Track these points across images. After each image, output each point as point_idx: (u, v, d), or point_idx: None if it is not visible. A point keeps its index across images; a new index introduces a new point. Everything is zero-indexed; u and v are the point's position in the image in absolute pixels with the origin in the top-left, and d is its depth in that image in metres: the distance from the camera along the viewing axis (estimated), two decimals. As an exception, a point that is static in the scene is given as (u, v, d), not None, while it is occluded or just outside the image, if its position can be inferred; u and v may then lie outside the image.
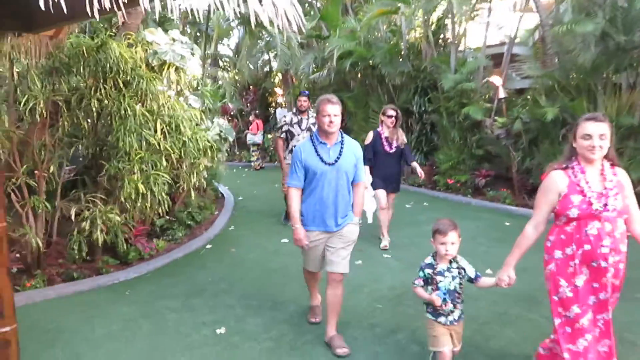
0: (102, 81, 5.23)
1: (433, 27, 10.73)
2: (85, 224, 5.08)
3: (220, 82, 16.40)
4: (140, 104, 5.39)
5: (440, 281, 2.91)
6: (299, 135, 6.58)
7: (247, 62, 15.98)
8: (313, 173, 3.53)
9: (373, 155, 5.94)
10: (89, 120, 5.52)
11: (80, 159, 6.10)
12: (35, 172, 5.23)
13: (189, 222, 7.02)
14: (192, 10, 3.08)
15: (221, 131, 7.71)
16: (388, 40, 11.28)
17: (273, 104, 17.41)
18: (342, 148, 3.58)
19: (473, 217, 7.75)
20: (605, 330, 2.73)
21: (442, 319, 2.94)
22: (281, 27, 2.65)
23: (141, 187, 5.22)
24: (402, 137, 6.07)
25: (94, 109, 5.19)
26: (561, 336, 2.72)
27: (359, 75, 12.51)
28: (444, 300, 2.90)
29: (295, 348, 3.71)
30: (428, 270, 2.95)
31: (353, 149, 3.66)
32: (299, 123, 6.68)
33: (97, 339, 3.93)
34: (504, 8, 11.30)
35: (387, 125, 5.95)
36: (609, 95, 7.57)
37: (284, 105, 16.23)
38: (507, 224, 7.30)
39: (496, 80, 8.96)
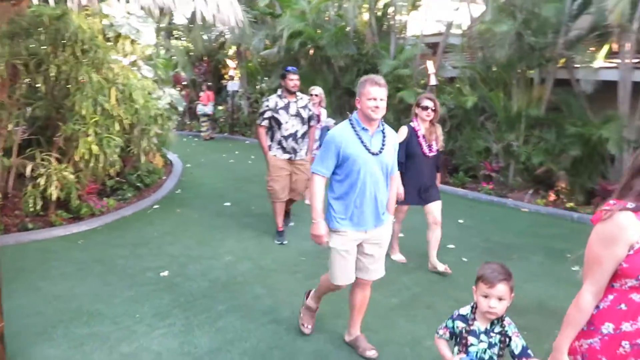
0: (60, 49, 5.66)
1: (378, 13, 11.47)
2: (41, 179, 5.57)
3: (172, 51, 16.58)
4: (96, 72, 5.86)
5: (472, 344, 2.20)
6: (286, 123, 5.44)
7: (201, 32, 16.22)
8: (354, 163, 3.05)
9: (406, 157, 4.68)
10: (46, 83, 5.95)
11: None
12: (-6, 129, 5.65)
13: (138, 184, 7.56)
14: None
15: (172, 100, 8.19)
16: (336, 23, 11.94)
17: (226, 76, 17.75)
18: (384, 137, 3.17)
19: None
20: None
21: None
22: (223, 24, 3.25)
23: (95, 148, 5.75)
24: (441, 138, 4.89)
25: (52, 74, 5.63)
26: None
27: (309, 54, 13.14)
28: None
29: (226, 288, 4.45)
30: (460, 324, 2.26)
31: (394, 139, 3.29)
32: (286, 108, 5.48)
33: (53, 277, 4.54)
34: None
35: (422, 118, 4.73)
36: (522, 88, 8.59)
37: (236, 78, 16.61)
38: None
39: (430, 66, 9.84)
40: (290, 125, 5.49)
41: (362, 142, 3.07)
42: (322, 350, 3.46)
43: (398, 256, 5.22)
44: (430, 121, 4.73)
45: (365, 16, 11.95)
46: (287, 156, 5.55)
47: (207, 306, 4.05)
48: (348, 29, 11.57)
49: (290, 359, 3.34)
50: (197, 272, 4.77)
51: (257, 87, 15.99)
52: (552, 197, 7.92)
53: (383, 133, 3.18)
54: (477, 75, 9.03)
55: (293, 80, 5.50)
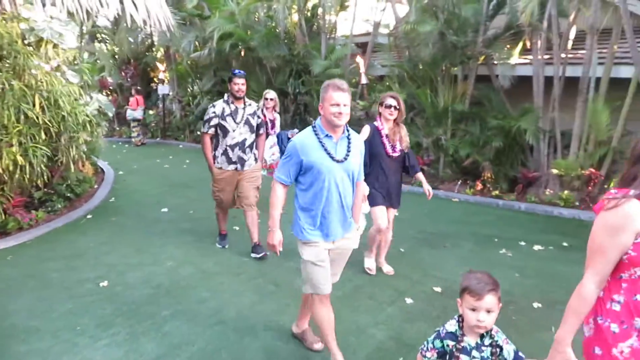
0: (-24, 55, 5.36)
1: (307, 14, 11.64)
2: (-39, 194, 5.26)
3: (97, 55, 15.94)
4: (17, 78, 5.59)
5: None
6: (234, 131, 5.06)
7: (127, 35, 15.70)
8: (318, 172, 2.94)
9: (369, 158, 4.48)
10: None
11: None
12: None
13: (69, 195, 7.26)
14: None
15: (100, 106, 7.93)
16: (266, 24, 11.98)
17: (155, 80, 17.29)
18: (349, 143, 3.04)
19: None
20: None
21: None
22: (152, 27, 3.25)
23: (19, 159, 5.49)
24: (406, 138, 4.64)
25: (-33, 83, 5.32)
26: None
27: (240, 56, 13.09)
28: None
29: (169, 293, 4.41)
30: (449, 343, 2.10)
31: (359, 145, 3.15)
32: (233, 114, 5.07)
33: (-18, 296, 4.30)
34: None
35: (385, 118, 4.54)
36: (447, 85, 9.05)
37: (166, 81, 16.23)
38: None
39: (360, 64, 10.12)
40: (237, 133, 5.09)
41: (325, 150, 2.95)
42: (270, 346, 3.54)
43: (386, 267, 5.02)
44: (394, 121, 4.54)
45: (295, 17, 12.08)
46: (233, 167, 5.20)
47: (151, 313, 4.01)
48: (278, 30, 11.65)
49: (239, 358, 3.39)
50: (138, 279, 4.68)
51: (189, 90, 15.70)
52: (479, 186, 8.42)
53: (348, 139, 3.04)
54: (404, 73, 9.40)
55: (237, 84, 5.04)
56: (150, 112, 15.94)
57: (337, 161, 2.96)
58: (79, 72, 7.59)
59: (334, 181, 2.97)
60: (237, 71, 5.15)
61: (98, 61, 15.80)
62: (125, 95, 15.85)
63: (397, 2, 10.85)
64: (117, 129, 15.98)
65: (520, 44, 9.00)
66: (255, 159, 5.39)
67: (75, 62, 8.09)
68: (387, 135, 4.53)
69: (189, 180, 9.22)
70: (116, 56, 16.43)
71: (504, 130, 8.21)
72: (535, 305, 4.27)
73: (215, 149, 5.22)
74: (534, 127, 7.95)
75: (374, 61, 10.85)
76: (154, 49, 16.40)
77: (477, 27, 8.38)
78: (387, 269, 4.98)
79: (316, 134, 2.99)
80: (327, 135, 2.98)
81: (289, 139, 6.40)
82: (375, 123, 4.62)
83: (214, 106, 5.13)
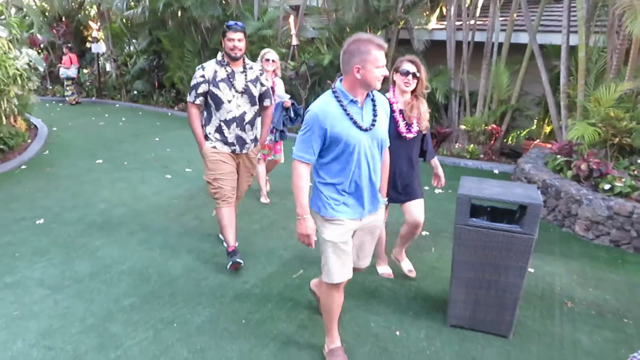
0: None
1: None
2: None
3: (25, 11, 15.41)
4: (-56, 30, 5.72)
5: None
6: (229, 102, 3.90)
7: (57, -9, 15.25)
8: (345, 144, 2.52)
9: None
10: None
11: None
12: None
13: (1, 147, 7.42)
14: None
15: (31, 61, 8.02)
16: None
17: (89, 38, 16.91)
18: (374, 106, 2.62)
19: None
20: None
21: None
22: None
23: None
24: (426, 116, 3.64)
25: None
26: None
27: (177, 15, 13.13)
28: None
29: (102, 229, 4.90)
30: None
31: (385, 106, 2.72)
32: (229, 80, 3.90)
33: None
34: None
35: (400, 89, 3.56)
36: (371, 47, 9.68)
37: (100, 39, 15.93)
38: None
39: (292, 25, 10.56)
40: (234, 105, 3.93)
41: (350, 118, 2.51)
42: (191, 265, 4.14)
43: (384, 268, 4.16)
44: (413, 92, 3.56)
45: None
46: (229, 149, 4.03)
47: (85, 243, 4.50)
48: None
49: (163, 274, 3.96)
50: (73, 218, 5.13)
51: (125, 49, 15.56)
52: (397, 141, 9.20)
53: (373, 101, 2.61)
54: (332, 35, 9.95)
55: (233, 40, 3.84)
56: (85, 70, 15.70)
57: (364, 130, 2.53)
58: (7, 26, 7.64)
59: (363, 153, 2.57)
60: (232, 22, 3.91)
61: (27, 17, 15.30)
62: (57, 53, 15.49)
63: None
64: (50, 87, 15.68)
65: (438, 11, 9.74)
66: (257, 140, 4.25)
67: (2, 17, 8.08)
68: (401, 111, 3.56)
69: (124, 136, 9.49)
70: (47, 13, 15.94)
71: (421, 90, 8.99)
72: (424, 233, 5.06)
73: (206, 124, 4.04)
74: (446, 88, 8.78)
75: (306, 24, 11.30)
76: (85, 7, 16.00)
77: (393, -7, 9.03)
78: (407, 268, 4.09)
79: (338, 100, 2.52)
80: (352, 101, 2.53)
81: (286, 109, 5.52)
82: (387, 95, 3.52)
83: (202, 68, 3.92)
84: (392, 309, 3.55)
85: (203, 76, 3.88)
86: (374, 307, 3.58)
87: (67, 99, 14.19)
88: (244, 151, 4.10)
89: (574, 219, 5.16)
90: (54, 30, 15.52)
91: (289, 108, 5.57)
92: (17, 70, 6.81)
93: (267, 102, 4.17)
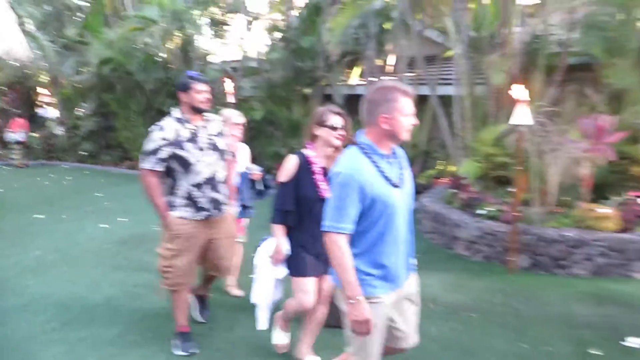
0: None
1: (182, 42, 12.89)
2: None
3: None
4: None
5: None
6: (198, 162, 3.37)
7: (7, 61, 15.90)
8: (384, 206, 2.19)
9: (296, 202, 3.09)
10: None
11: None
12: None
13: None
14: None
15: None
16: (145, 51, 13.02)
17: (40, 103, 17.48)
18: (396, 157, 2.34)
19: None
20: None
21: None
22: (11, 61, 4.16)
23: None
24: None
25: None
26: None
27: (123, 79, 13.96)
28: None
29: (35, 271, 5.38)
30: None
31: (404, 155, 2.42)
32: (193, 138, 3.40)
33: None
34: (242, 29, 14.06)
35: (326, 143, 3.06)
36: (300, 102, 10.71)
37: (52, 105, 16.52)
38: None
39: (228, 85, 11.51)
40: (204, 165, 3.40)
41: (384, 175, 2.21)
42: (111, 295, 4.68)
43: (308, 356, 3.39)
44: (337, 147, 3.05)
45: (172, 44, 13.26)
46: (203, 215, 3.44)
47: (18, 283, 4.99)
48: (156, 57, 12.74)
49: (85, 304, 4.47)
50: (9, 264, 5.59)
51: (75, 112, 16.21)
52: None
53: (394, 153, 2.32)
54: (264, 93, 10.96)
55: (202, 92, 3.39)
56: (35, 135, 16.17)
57: (396, 186, 2.24)
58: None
59: (402, 214, 2.26)
60: (195, 74, 3.52)
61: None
62: (7, 119, 15.97)
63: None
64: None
65: (360, 69, 10.93)
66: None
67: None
68: (323, 169, 3.09)
69: (67, 193, 10.01)
70: (-3, 80, 16.51)
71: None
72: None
73: (170, 192, 3.43)
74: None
75: (243, 84, 12.31)
76: (34, 75, 16.71)
77: (314, 55, 10.14)
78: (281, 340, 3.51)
79: (369, 156, 2.20)
80: (381, 155, 2.23)
81: (252, 181, 4.56)
82: (305, 151, 3.14)
83: (161, 128, 3.35)
84: None
85: (165, 138, 3.32)
86: None
87: (14, 162, 14.56)
88: (221, 214, 3.53)
89: (456, 241, 5.99)
90: (4, 98, 16.10)
91: (257, 181, 4.60)
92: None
93: (227, 155, 3.64)
